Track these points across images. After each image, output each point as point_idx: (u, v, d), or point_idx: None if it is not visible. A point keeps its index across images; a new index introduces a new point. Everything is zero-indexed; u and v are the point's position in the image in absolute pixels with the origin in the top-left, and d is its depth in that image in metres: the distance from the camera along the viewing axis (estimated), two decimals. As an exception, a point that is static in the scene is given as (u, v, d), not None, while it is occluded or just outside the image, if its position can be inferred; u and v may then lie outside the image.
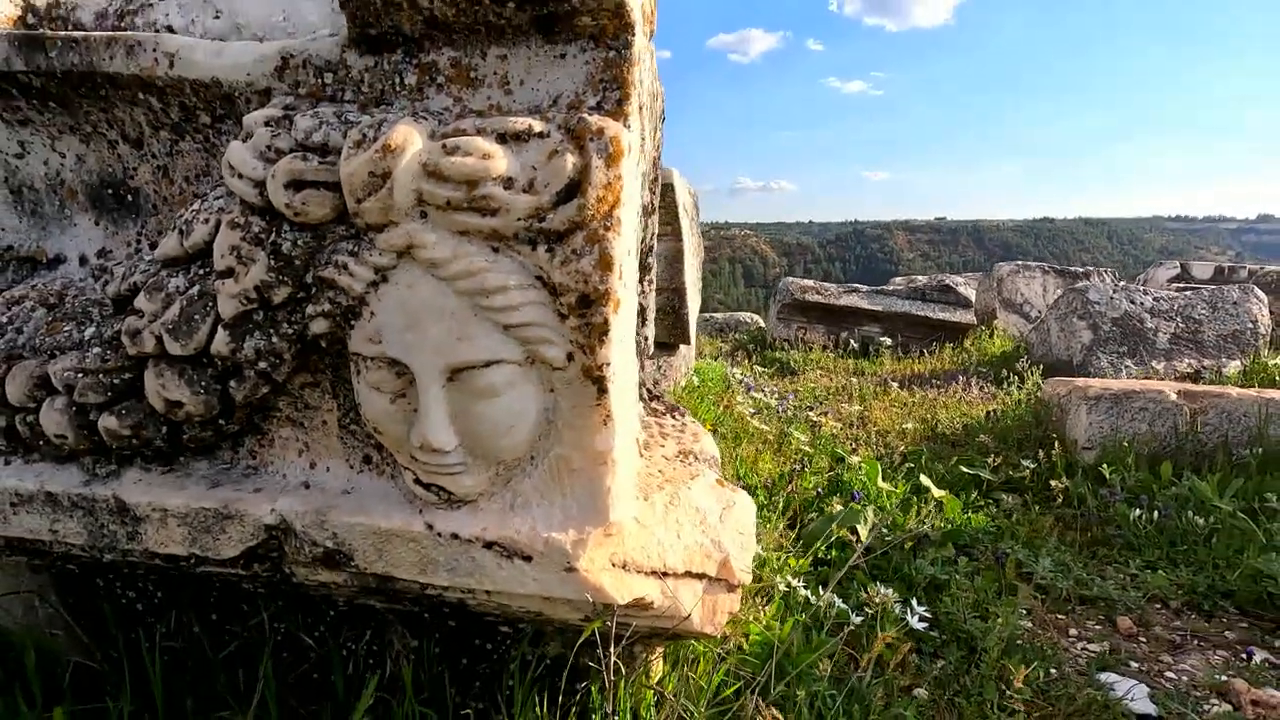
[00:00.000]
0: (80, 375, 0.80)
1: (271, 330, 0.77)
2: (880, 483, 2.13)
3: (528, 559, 0.80)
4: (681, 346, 2.95)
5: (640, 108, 0.78)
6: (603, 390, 0.76)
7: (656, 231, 1.19)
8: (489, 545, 0.81)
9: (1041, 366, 4.03)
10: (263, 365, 0.79)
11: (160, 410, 0.81)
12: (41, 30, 0.80)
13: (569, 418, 0.79)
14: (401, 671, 1.01)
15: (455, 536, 0.81)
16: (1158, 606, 1.75)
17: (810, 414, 3.10)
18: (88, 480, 0.88)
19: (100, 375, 0.80)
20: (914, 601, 1.42)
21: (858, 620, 1.39)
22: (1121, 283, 5.39)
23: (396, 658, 1.06)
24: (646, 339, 1.23)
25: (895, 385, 4.04)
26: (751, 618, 1.36)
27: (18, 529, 0.90)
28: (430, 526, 0.82)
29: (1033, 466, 2.39)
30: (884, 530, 1.90)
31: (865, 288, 5.54)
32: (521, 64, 0.72)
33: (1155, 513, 2.06)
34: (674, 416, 1.23)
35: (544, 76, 0.72)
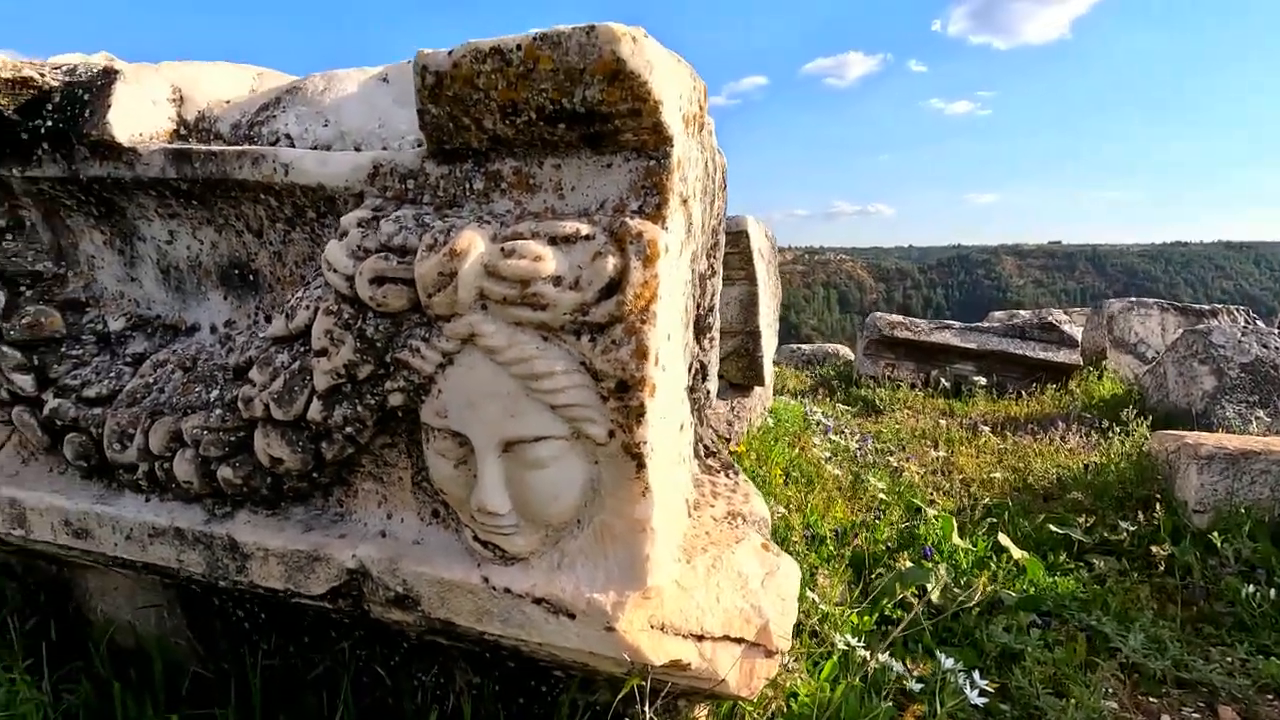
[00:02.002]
0: (205, 432, 0.95)
1: (356, 400, 0.89)
2: (955, 539, 2.06)
3: (571, 616, 0.87)
4: (756, 388, 2.97)
5: (684, 201, 0.85)
6: (641, 465, 0.83)
7: (719, 289, 1.25)
8: (538, 601, 0.88)
9: (1155, 414, 3.74)
10: (349, 430, 0.90)
11: (266, 464, 0.94)
12: (189, 145, 0.96)
13: (611, 488, 0.86)
14: (463, 705, 1.10)
15: (508, 590, 0.89)
16: (1269, 698, 1.60)
17: (891, 459, 3.02)
18: (208, 519, 1.02)
19: (220, 433, 0.94)
20: (977, 673, 1.38)
21: (916, 688, 1.37)
22: (1256, 322, 4.91)
23: (460, 692, 1.15)
24: (708, 393, 1.28)
25: (986, 429, 3.85)
26: (804, 674, 1.37)
27: (153, 556, 1.06)
28: (486, 580, 0.90)
29: (1132, 529, 2.24)
30: (956, 590, 1.84)
31: (958, 324, 5.32)
32: (573, 172, 0.81)
33: (1274, 590, 1.88)
34: (727, 475, 1.27)
35: (593, 183, 0.80)
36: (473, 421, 0.82)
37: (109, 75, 0.98)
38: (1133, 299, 5.39)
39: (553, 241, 0.77)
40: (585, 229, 0.77)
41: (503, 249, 0.77)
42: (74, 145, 1.00)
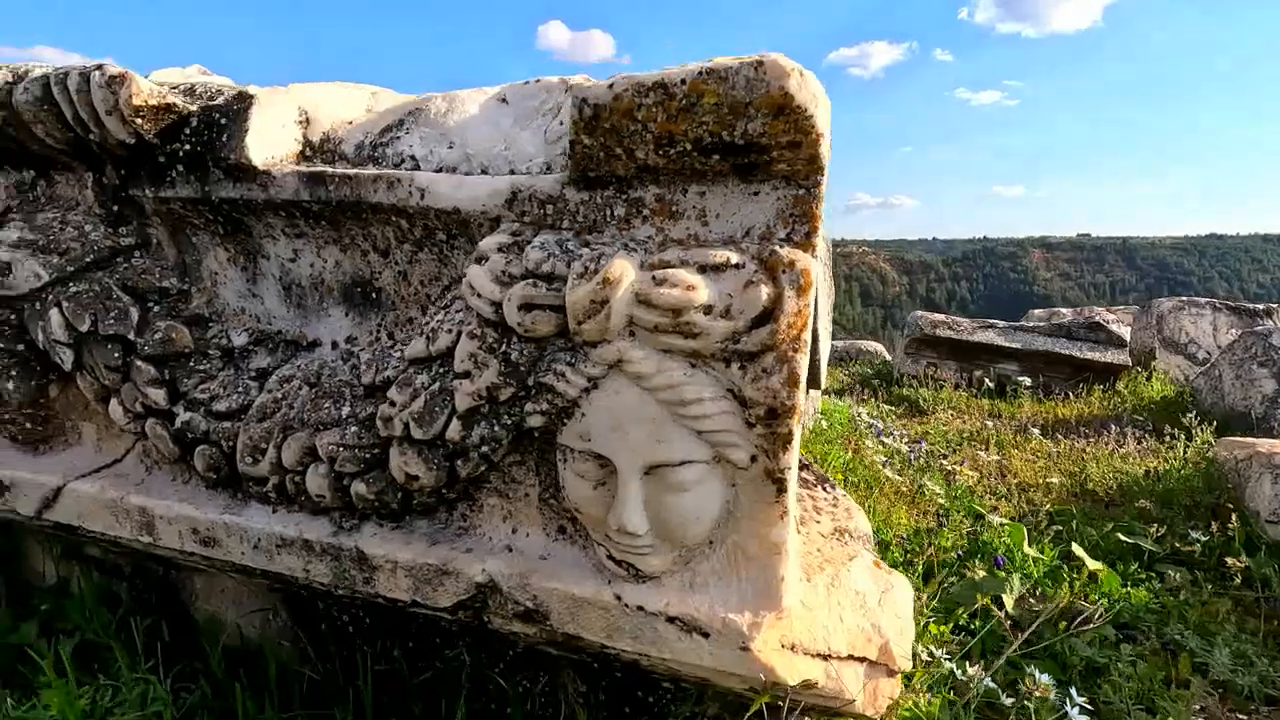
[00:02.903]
0: (341, 449, 0.98)
1: (494, 421, 0.91)
2: (1026, 548, 2.04)
3: (706, 635, 0.88)
4: (811, 390, 2.95)
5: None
6: (782, 490, 0.84)
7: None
8: (671, 619, 0.90)
9: (1210, 418, 3.66)
10: (485, 449, 0.92)
11: (400, 481, 0.97)
12: (323, 169, 0.99)
13: (748, 510, 0.87)
14: (577, 714, 1.12)
15: (641, 608, 0.91)
16: (1362, 715, 1.57)
17: (944, 462, 3.00)
18: (335, 532, 1.05)
19: (356, 450, 0.97)
20: (1073, 689, 1.37)
21: (1008, 702, 1.37)
22: (1312, 322, 4.78)
23: (568, 700, 1.18)
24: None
25: (1036, 431, 3.81)
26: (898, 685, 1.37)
27: (279, 566, 1.09)
28: (619, 598, 0.92)
29: (1204, 539, 2.20)
30: (1031, 601, 1.83)
31: (1002, 323, 5.25)
32: (718, 200, 0.82)
33: (1358, 604, 1.84)
34: (824, 489, 1.28)
35: (738, 210, 0.81)
36: (617, 445, 0.83)
37: (244, 100, 1.01)
38: (1184, 298, 5.28)
39: (702, 270, 0.78)
40: (735, 257, 0.78)
41: (654, 277, 0.78)
42: (209, 167, 1.03)
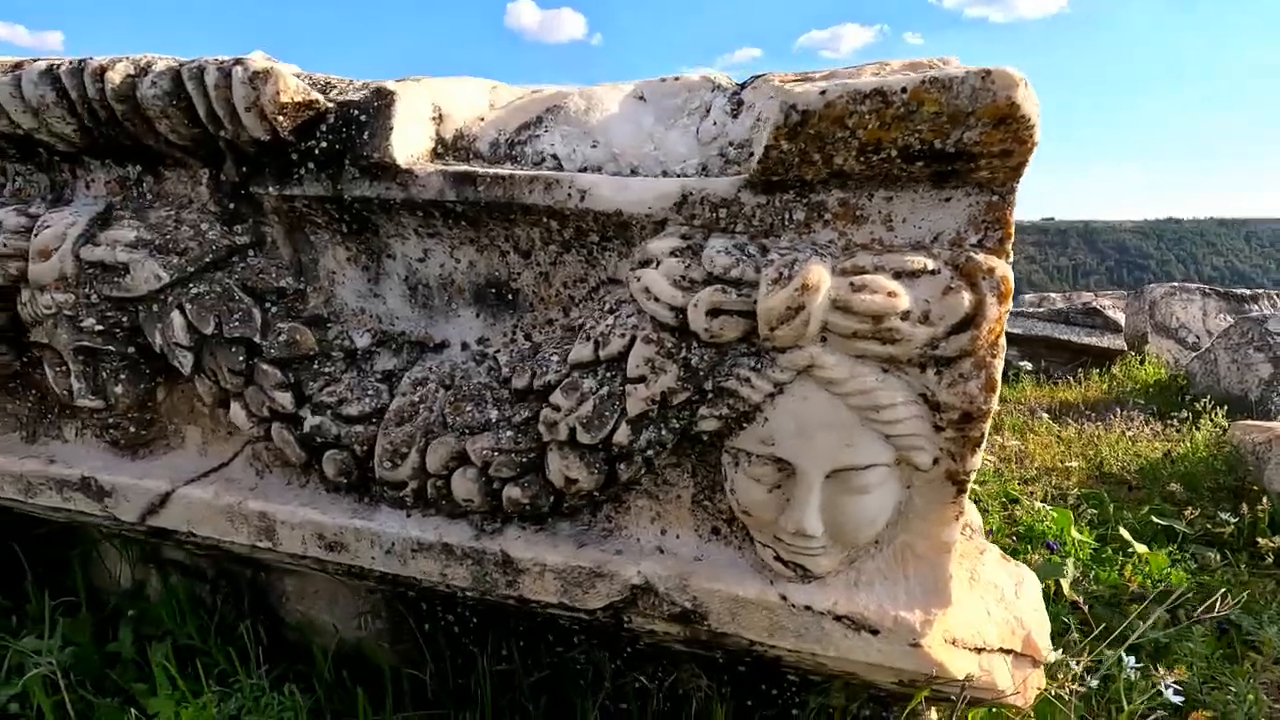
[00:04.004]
0: (496, 454, 0.97)
1: (663, 425, 0.91)
2: (1073, 532, 2.11)
3: (875, 632, 0.90)
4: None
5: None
6: (961, 491, 0.85)
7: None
8: (839, 618, 0.91)
9: (1206, 401, 3.79)
10: (649, 452, 0.92)
11: (558, 485, 0.96)
12: (473, 168, 0.96)
13: (921, 511, 0.89)
14: (714, 709, 1.14)
15: (808, 608, 0.92)
16: (1404, 686, 1.66)
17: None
18: (477, 535, 1.05)
19: (512, 455, 0.96)
20: (1131, 659, 1.43)
21: (1093, 684, 1.42)
22: (1295, 307, 4.96)
23: (693, 694, 1.19)
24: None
25: (1045, 415, 3.91)
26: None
27: (413, 570, 1.08)
28: (784, 598, 0.93)
29: (1235, 521, 2.29)
30: (1087, 584, 1.89)
31: (1002, 309, 5.36)
32: (906, 205, 0.82)
33: (1387, 581, 1.94)
34: (932, 483, 1.30)
35: (927, 216, 0.82)
36: (803, 450, 0.84)
37: (384, 96, 0.98)
38: (1175, 284, 5.44)
39: (897, 275, 0.79)
40: (930, 263, 0.79)
41: (851, 283, 0.78)
42: (344, 166, 1.00)
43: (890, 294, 0.77)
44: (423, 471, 1.03)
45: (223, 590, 1.48)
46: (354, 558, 1.11)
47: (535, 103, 1.07)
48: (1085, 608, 1.73)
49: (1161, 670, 1.38)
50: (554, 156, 1.02)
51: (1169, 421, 3.68)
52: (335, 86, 1.08)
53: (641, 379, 0.87)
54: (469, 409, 1.02)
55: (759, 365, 0.84)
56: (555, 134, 1.03)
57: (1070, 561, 1.94)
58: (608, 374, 0.91)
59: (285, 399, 1.06)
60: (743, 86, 1.01)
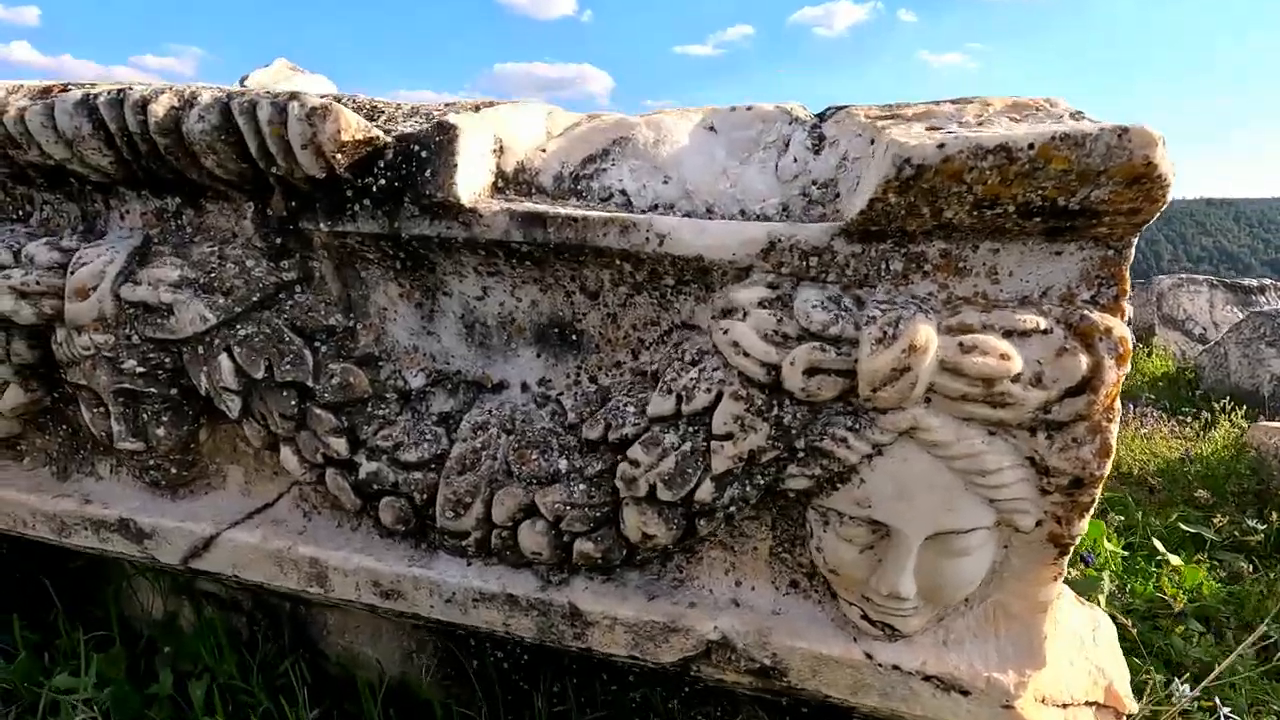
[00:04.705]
0: (568, 508, 0.93)
1: (747, 482, 0.87)
2: (1106, 544, 2.10)
3: (965, 693, 0.88)
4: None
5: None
6: (1063, 553, 0.82)
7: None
8: (927, 678, 0.88)
9: (1215, 396, 3.80)
10: (731, 509, 0.89)
11: (633, 540, 0.93)
12: (544, 209, 0.91)
13: (1018, 571, 0.86)
14: (775, 756, 1.12)
15: (896, 667, 0.89)
16: None
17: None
18: (543, 586, 1.01)
19: (586, 509, 0.92)
20: (1186, 687, 1.42)
21: (1133, 706, 1.41)
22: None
23: (756, 738, 1.17)
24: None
25: (1057, 412, 3.90)
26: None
27: (474, 620, 1.05)
28: (870, 656, 0.90)
29: (1261, 527, 2.29)
30: (1123, 599, 1.89)
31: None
32: (1012, 257, 0.78)
33: None
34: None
35: (1035, 269, 0.78)
36: (902, 513, 0.80)
37: (446, 131, 0.92)
38: (1182, 275, 5.44)
39: (1007, 335, 0.75)
40: (1043, 322, 0.75)
41: (961, 344, 0.74)
42: (402, 203, 0.95)
43: (1003, 356, 0.73)
44: (487, 522, 0.99)
45: (261, 624, 1.44)
46: (411, 605, 1.08)
47: (598, 132, 1.02)
48: (1129, 625, 1.73)
49: (1216, 700, 1.38)
50: (623, 192, 0.97)
51: (1181, 418, 3.69)
52: (383, 113, 1.02)
53: (729, 436, 0.83)
54: (535, 457, 0.98)
55: (857, 425, 0.80)
56: (623, 168, 0.98)
57: (1106, 574, 1.93)
58: (690, 429, 0.87)
59: (340, 445, 1.02)
60: (821, 119, 0.96)
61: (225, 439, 1.17)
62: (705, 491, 0.87)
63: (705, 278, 0.90)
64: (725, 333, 0.83)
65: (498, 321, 1.04)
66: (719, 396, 0.84)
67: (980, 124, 0.78)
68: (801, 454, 0.83)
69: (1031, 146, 0.68)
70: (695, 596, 0.99)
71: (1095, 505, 0.79)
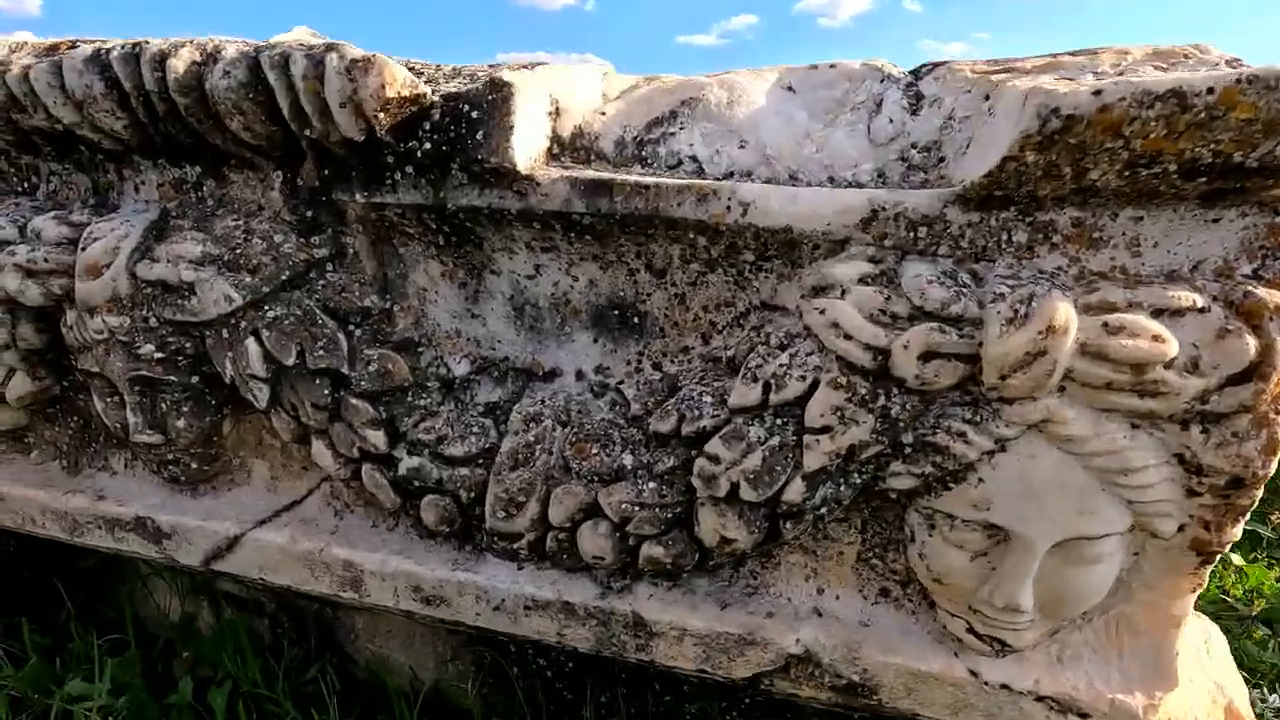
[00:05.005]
0: (637, 508, 0.84)
1: (842, 481, 0.78)
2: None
3: (1084, 716, 0.78)
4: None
5: None
6: (1206, 562, 0.73)
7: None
8: (1041, 699, 0.79)
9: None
10: (822, 510, 0.79)
11: (709, 544, 0.83)
12: (611, 176, 0.82)
13: (1150, 580, 0.76)
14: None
15: (1005, 687, 0.80)
16: None
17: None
18: (603, 593, 0.92)
19: (656, 510, 0.83)
20: (1275, 697, 1.33)
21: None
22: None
23: (824, 755, 1.08)
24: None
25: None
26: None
27: (525, 629, 0.96)
28: (974, 674, 0.81)
29: (1319, 524, 2.19)
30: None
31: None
32: (1159, 226, 0.68)
33: None
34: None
35: (1185, 240, 0.68)
36: (1027, 516, 0.71)
37: (500, 89, 0.82)
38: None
39: (1157, 314, 0.65)
40: (1198, 299, 0.65)
41: (1106, 324, 0.65)
42: (449, 170, 0.85)
43: (1155, 338, 0.63)
44: (543, 523, 0.90)
45: (284, 627, 1.36)
46: (454, 613, 0.99)
47: (664, 94, 0.92)
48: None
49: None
50: (693, 159, 0.87)
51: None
52: (422, 74, 0.92)
53: (825, 430, 0.74)
54: (595, 452, 0.89)
55: (977, 418, 0.70)
56: (694, 131, 0.88)
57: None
58: (779, 422, 0.77)
59: (378, 438, 0.92)
60: (916, 76, 0.86)
61: (250, 431, 1.08)
62: (794, 491, 0.77)
63: (792, 252, 0.80)
64: (822, 313, 0.73)
65: (550, 303, 0.95)
66: (814, 385, 0.74)
67: (1120, 74, 0.68)
68: (909, 450, 0.74)
69: (1211, 91, 0.58)
70: (772, 605, 0.90)
71: (1252, 509, 0.69)
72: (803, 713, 1.11)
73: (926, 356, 0.69)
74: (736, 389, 0.79)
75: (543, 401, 0.94)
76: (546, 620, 0.94)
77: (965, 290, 0.69)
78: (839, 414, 0.73)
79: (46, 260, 0.94)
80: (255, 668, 1.26)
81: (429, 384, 0.96)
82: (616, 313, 0.93)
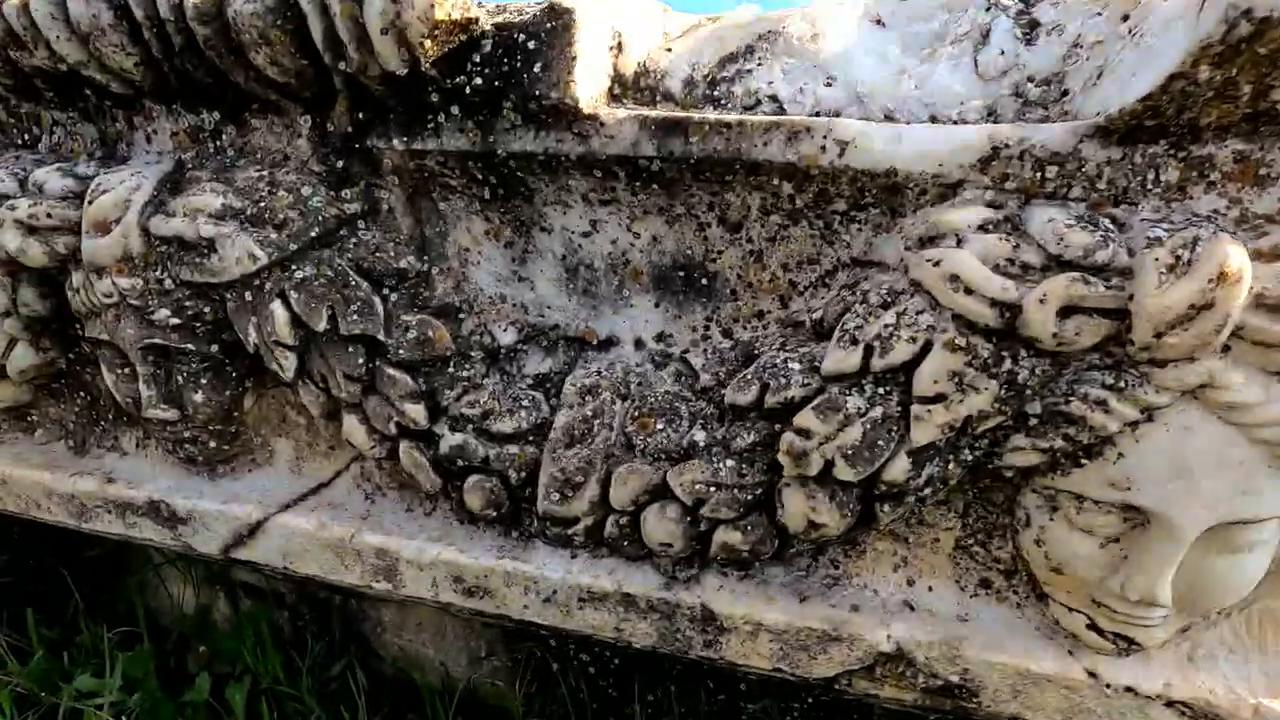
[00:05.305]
0: (713, 489, 0.75)
1: (951, 457, 0.69)
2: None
3: (1221, 724, 0.70)
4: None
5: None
6: (1378, 548, 0.64)
7: None
8: (1171, 704, 0.71)
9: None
10: (926, 491, 0.70)
11: (795, 530, 0.74)
12: (684, 114, 0.72)
13: (1304, 571, 0.67)
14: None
15: (1130, 690, 0.71)
16: None
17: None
18: (667, 583, 0.83)
19: (735, 491, 0.74)
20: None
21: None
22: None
23: (898, 759, 1.00)
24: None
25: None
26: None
27: (578, 623, 0.87)
28: (1093, 675, 0.72)
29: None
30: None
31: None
32: (1338, 160, 0.59)
33: None
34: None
35: (1371, 176, 0.58)
36: (1177, 497, 0.62)
37: (560, 15, 0.73)
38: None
39: (1344, 260, 0.56)
40: (1394, 244, 0.56)
41: (1285, 272, 0.55)
42: (500, 110, 0.76)
43: (1348, 288, 0.54)
44: (603, 505, 0.81)
45: (306, 619, 1.27)
46: (499, 605, 0.90)
47: (737, 28, 0.82)
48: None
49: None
50: (773, 98, 0.78)
51: None
52: (500, 5, 0.83)
53: (939, 399, 0.65)
54: (660, 427, 0.80)
55: (1120, 383, 0.61)
56: (773, 68, 0.78)
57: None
58: (881, 390, 0.68)
59: (418, 412, 0.84)
60: (1027, 3, 0.77)
61: (273, 407, 0.99)
62: (897, 469, 0.68)
63: (892, 199, 0.71)
64: (936, 265, 0.64)
65: (607, 264, 0.86)
66: (926, 347, 0.65)
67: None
68: (1034, 421, 0.65)
69: None
70: (857, 598, 0.81)
71: None
72: (870, 712, 1.03)
73: (1066, 312, 0.59)
74: (831, 354, 0.70)
75: (598, 372, 0.85)
76: (603, 614, 0.86)
77: (1111, 235, 0.60)
78: (956, 380, 0.64)
79: (50, 215, 0.85)
80: (276, 662, 1.18)
81: (472, 353, 0.87)
82: (682, 274, 0.84)
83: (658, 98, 0.81)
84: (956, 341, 0.64)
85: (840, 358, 0.69)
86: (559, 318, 0.90)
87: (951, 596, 0.80)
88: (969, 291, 0.62)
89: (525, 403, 0.85)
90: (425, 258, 0.90)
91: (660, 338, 0.87)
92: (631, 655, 1.09)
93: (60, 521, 1.09)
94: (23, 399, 1.06)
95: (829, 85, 0.77)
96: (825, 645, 0.79)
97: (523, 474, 0.84)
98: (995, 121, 0.71)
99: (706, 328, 0.85)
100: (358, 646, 1.26)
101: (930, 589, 0.80)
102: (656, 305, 0.86)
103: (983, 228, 0.64)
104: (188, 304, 0.86)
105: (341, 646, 1.24)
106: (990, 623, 0.78)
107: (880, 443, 0.68)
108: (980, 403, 0.64)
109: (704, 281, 0.83)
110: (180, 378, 0.91)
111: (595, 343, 0.89)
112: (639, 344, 0.87)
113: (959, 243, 0.64)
